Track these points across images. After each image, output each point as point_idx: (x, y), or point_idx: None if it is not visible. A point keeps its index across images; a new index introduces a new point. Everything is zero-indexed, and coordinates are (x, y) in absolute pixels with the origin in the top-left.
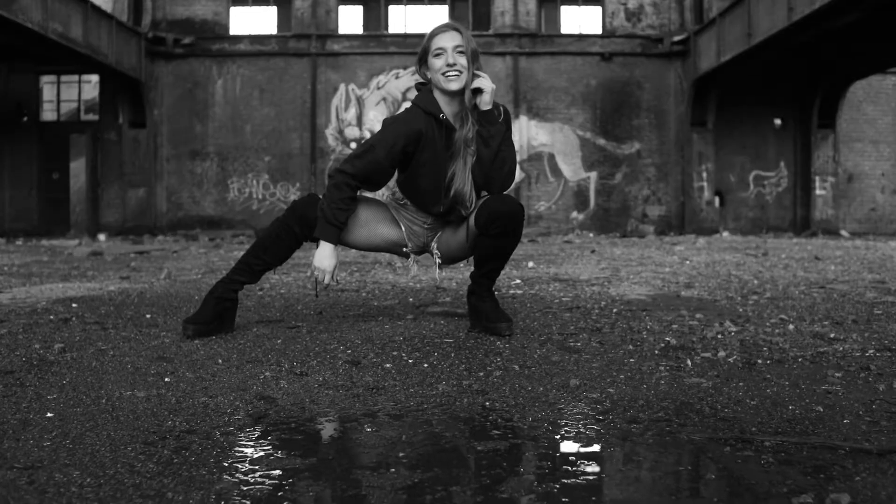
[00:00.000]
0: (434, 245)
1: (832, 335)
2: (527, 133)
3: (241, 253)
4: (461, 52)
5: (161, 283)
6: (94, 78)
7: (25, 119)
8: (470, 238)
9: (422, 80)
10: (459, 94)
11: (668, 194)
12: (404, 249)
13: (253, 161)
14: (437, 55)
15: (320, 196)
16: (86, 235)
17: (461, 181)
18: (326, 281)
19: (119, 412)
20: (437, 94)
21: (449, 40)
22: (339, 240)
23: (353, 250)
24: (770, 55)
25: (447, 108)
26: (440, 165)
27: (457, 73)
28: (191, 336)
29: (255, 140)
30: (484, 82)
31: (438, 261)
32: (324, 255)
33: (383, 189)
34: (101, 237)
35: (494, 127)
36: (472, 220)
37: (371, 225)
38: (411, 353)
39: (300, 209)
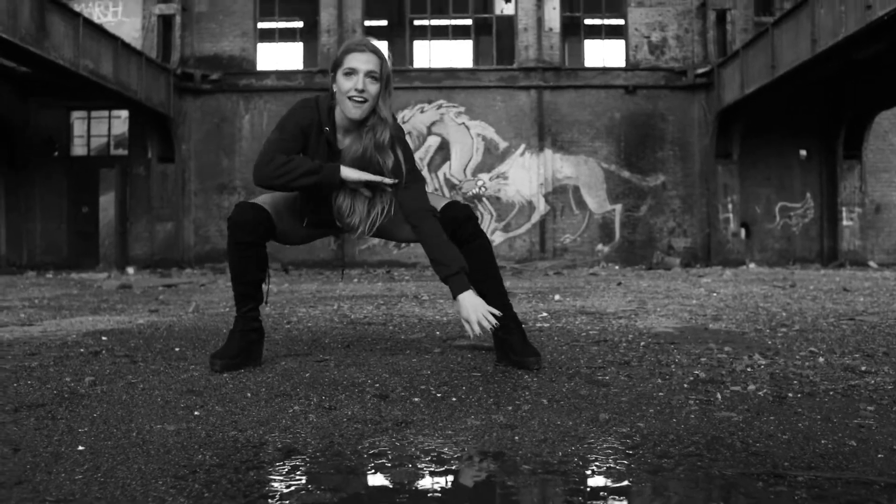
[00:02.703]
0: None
1: (863, 368)
2: (551, 166)
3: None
4: (374, 79)
5: (189, 316)
6: (124, 113)
7: (56, 154)
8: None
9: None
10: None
11: (693, 226)
12: (337, 235)
13: None
14: (348, 75)
15: (246, 201)
16: (114, 268)
17: (349, 211)
18: (387, 179)
19: (149, 446)
20: (338, 107)
21: (363, 62)
22: (342, 167)
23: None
24: (794, 87)
25: (343, 122)
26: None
27: (363, 99)
28: (218, 370)
29: None
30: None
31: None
32: (352, 171)
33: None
34: (130, 270)
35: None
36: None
37: (292, 208)
38: (439, 387)
39: (236, 218)
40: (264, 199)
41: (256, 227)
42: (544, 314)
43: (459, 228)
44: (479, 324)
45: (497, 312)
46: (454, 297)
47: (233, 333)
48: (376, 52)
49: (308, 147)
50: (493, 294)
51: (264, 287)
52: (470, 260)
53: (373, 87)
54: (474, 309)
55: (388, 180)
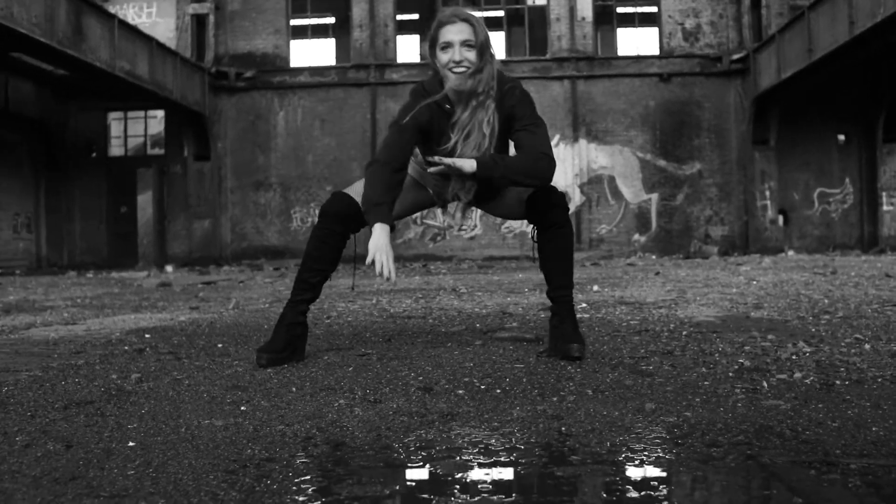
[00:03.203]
0: (464, 196)
1: None
2: (586, 156)
3: None
4: (470, 47)
5: (230, 312)
6: (160, 113)
7: (94, 155)
8: (515, 200)
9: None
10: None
11: (730, 214)
12: (439, 211)
13: (315, 190)
14: (444, 48)
15: (340, 191)
16: (153, 267)
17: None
18: (391, 273)
19: (199, 441)
20: (445, 83)
21: (457, 33)
22: (392, 221)
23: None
24: (832, 70)
25: (454, 95)
26: (448, 150)
27: (464, 69)
28: (265, 365)
29: (316, 170)
30: (451, 167)
31: (466, 203)
32: (379, 239)
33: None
34: (169, 268)
35: (492, 173)
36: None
37: (399, 195)
38: (483, 379)
39: (330, 207)
40: (359, 188)
41: (345, 219)
42: (584, 305)
43: (550, 212)
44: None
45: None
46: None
47: (279, 327)
48: (468, 19)
49: (432, 133)
50: (558, 280)
51: (347, 281)
52: (549, 244)
53: (470, 55)
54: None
55: (393, 276)
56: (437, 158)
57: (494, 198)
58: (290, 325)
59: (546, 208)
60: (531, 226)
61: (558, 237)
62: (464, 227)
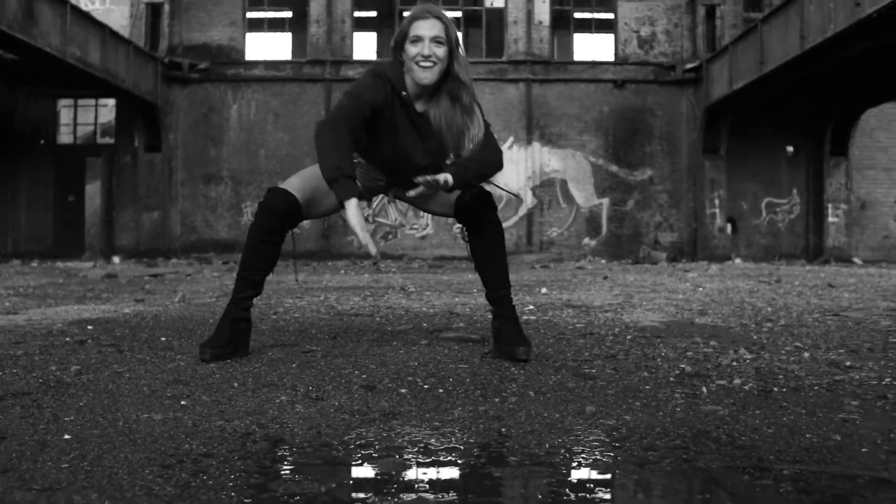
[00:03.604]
0: (391, 192)
1: (848, 363)
2: (539, 159)
3: None
4: (439, 44)
5: (175, 305)
6: (111, 102)
7: (42, 142)
8: (442, 202)
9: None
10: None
11: (680, 221)
12: (363, 202)
13: (267, 185)
14: (414, 42)
15: (279, 187)
16: (100, 258)
17: (412, 169)
18: (372, 249)
19: (136, 435)
20: (408, 75)
21: (428, 29)
22: (358, 190)
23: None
24: (783, 83)
25: (414, 89)
26: (397, 140)
27: (431, 64)
28: (208, 360)
29: (269, 164)
30: (439, 182)
31: (390, 199)
32: (354, 218)
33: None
34: (116, 259)
35: (467, 179)
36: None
37: (328, 193)
38: (426, 379)
39: (267, 204)
40: (298, 183)
41: (286, 216)
42: (531, 307)
43: (479, 212)
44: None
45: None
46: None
47: (222, 322)
48: (440, 17)
49: (382, 116)
50: (495, 282)
51: (290, 275)
52: (482, 246)
53: (440, 51)
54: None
55: (373, 250)
56: (420, 179)
57: (420, 198)
58: (234, 321)
59: (474, 209)
60: (460, 226)
61: (490, 237)
62: (415, 226)
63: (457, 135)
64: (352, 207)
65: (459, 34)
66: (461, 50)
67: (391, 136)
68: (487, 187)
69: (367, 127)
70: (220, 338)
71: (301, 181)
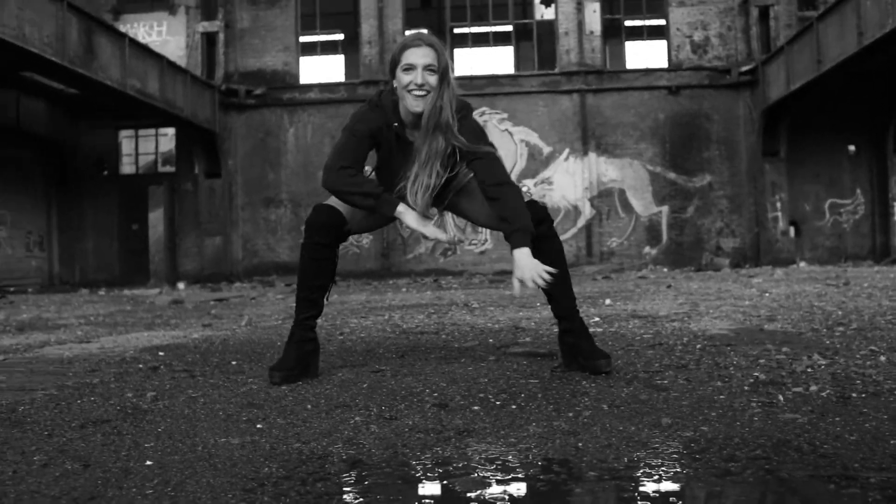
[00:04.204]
0: (441, 206)
1: None
2: (596, 169)
3: None
4: (431, 72)
5: (242, 329)
6: (171, 131)
7: (106, 172)
8: (489, 215)
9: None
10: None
11: (741, 226)
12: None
13: None
14: (407, 70)
15: (322, 203)
16: (165, 284)
17: (416, 190)
18: (443, 236)
19: (216, 459)
20: (401, 102)
21: (420, 57)
22: (398, 199)
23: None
24: (841, 81)
25: (408, 116)
26: (393, 168)
27: (424, 93)
28: (278, 383)
29: None
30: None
31: (438, 213)
32: (412, 219)
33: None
34: (180, 285)
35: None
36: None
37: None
38: (498, 395)
39: (313, 220)
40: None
41: (331, 230)
42: (596, 319)
43: (536, 227)
44: (533, 280)
45: (553, 270)
46: (511, 252)
47: (289, 345)
48: (433, 45)
49: (380, 145)
50: (561, 296)
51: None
52: (542, 260)
53: (432, 79)
54: (530, 267)
55: (445, 237)
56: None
57: (465, 206)
58: (300, 342)
59: (544, 223)
60: None
61: (549, 252)
62: (474, 242)
63: (413, 177)
64: (404, 214)
65: (510, 48)
66: (453, 78)
67: (387, 164)
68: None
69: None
70: (288, 360)
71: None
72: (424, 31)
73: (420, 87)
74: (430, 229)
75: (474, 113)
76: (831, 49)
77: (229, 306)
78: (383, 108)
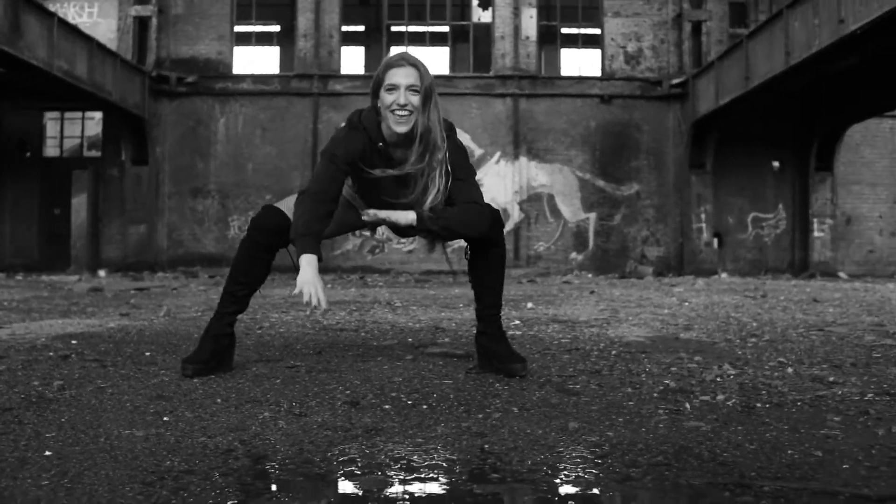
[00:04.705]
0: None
1: (831, 378)
2: (526, 174)
3: None
4: (415, 92)
5: (160, 320)
6: (98, 115)
7: (28, 155)
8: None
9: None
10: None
11: (666, 235)
12: (366, 231)
13: (254, 199)
14: (390, 90)
15: (273, 206)
16: (86, 271)
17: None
18: (321, 302)
19: (118, 451)
20: (384, 123)
21: (403, 77)
22: (320, 252)
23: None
24: (768, 98)
25: (392, 137)
26: (379, 189)
27: (407, 112)
28: (190, 375)
29: (256, 178)
30: (390, 217)
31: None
32: (307, 273)
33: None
34: (102, 273)
35: (435, 223)
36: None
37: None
38: (410, 395)
39: (260, 220)
40: (290, 203)
41: (277, 234)
42: (517, 322)
43: (487, 231)
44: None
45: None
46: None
47: (205, 338)
48: (416, 65)
49: (364, 164)
50: (488, 300)
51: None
52: (484, 263)
53: (415, 99)
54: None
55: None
56: (371, 213)
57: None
58: (217, 337)
59: (492, 228)
60: (465, 243)
61: (493, 256)
62: (402, 241)
63: (421, 190)
64: (304, 263)
65: (445, 49)
66: (435, 98)
67: (372, 185)
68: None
69: (353, 176)
70: (203, 353)
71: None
72: (406, 50)
73: (402, 107)
74: (311, 292)
75: None
76: (760, 66)
77: (150, 296)
78: (365, 129)
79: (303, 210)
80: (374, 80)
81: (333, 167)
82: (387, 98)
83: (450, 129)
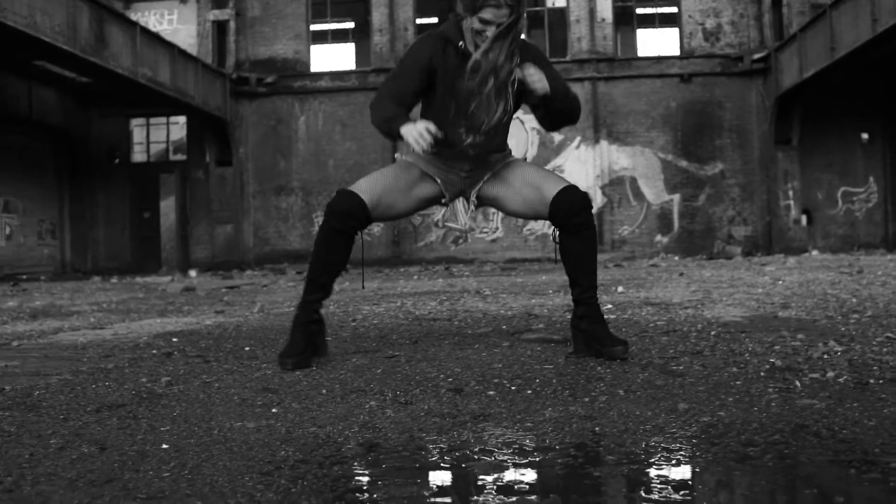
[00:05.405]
0: (473, 193)
1: None
2: (608, 157)
3: None
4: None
5: (255, 316)
6: (182, 119)
7: (117, 161)
8: (525, 205)
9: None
10: None
11: (753, 214)
12: (443, 201)
13: None
14: (483, 22)
15: (346, 189)
16: (177, 272)
17: (485, 110)
18: (430, 128)
19: (232, 443)
20: (466, 29)
21: (495, 17)
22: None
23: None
24: (855, 68)
25: (471, 41)
26: (457, 89)
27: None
28: (291, 369)
29: (338, 174)
30: (531, 78)
31: (474, 205)
32: (407, 126)
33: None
34: (192, 273)
35: (557, 95)
36: (530, 190)
37: (406, 192)
38: (513, 380)
39: (333, 205)
40: (366, 184)
41: (351, 218)
42: (609, 306)
43: (575, 215)
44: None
45: (434, 132)
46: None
47: (295, 328)
48: (512, 5)
49: (438, 70)
50: (585, 282)
51: (343, 278)
52: (576, 246)
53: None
54: (410, 128)
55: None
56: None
57: (499, 193)
58: (305, 325)
59: (572, 210)
60: (552, 227)
61: (584, 239)
62: (485, 230)
63: (504, 78)
64: (406, 127)
65: (522, 35)
66: (523, 23)
67: (451, 87)
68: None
69: (429, 87)
70: (297, 345)
71: (369, 182)
72: None
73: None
74: (419, 130)
75: None
76: (845, 36)
77: (241, 293)
78: (444, 35)
79: (377, 113)
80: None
81: (402, 68)
82: (477, 25)
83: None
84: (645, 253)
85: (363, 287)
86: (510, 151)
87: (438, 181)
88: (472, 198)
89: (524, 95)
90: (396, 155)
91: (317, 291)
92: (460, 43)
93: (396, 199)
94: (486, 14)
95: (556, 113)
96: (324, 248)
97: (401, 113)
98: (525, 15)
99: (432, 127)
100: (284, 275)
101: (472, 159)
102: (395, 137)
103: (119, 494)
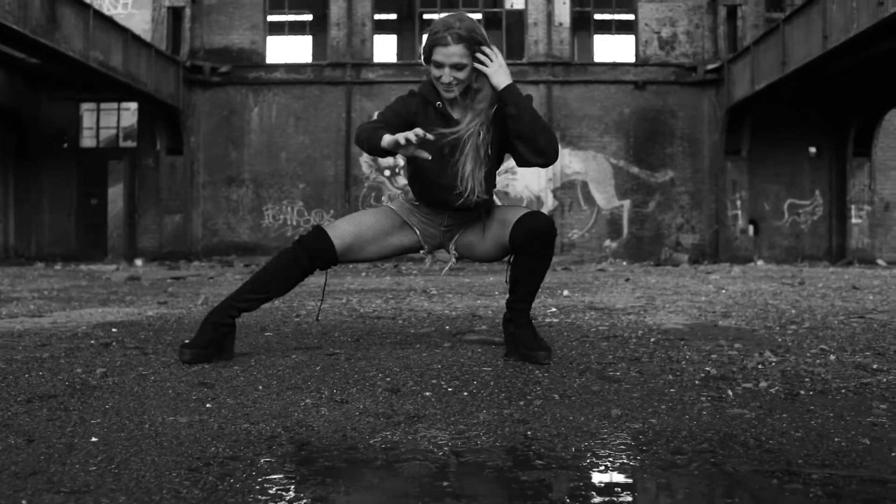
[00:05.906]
0: (452, 245)
1: (875, 366)
2: (560, 161)
3: None
4: (460, 68)
5: (199, 308)
6: (133, 105)
7: (65, 145)
8: (494, 244)
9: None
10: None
11: (701, 222)
12: (421, 252)
13: (288, 188)
14: (436, 66)
15: (322, 228)
16: (123, 260)
17: (469, 167)
18: (417, 131)
19: (162, 437)
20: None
21: (446, 57)
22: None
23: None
24: (805, 83)
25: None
26: (443, 153)
27: (454, 90)
28: (188, 360)
29: (290, 167)
30: (488, 69)
31: (454, 258)
32: (388, 137)
33: (398, 194)
34: (138, 262)
35: (518, 102)
36: (498, 226)
37: (381, 239)
38: (450, 382)
39: (309, 243)
40: (342, 229)
41: (317, 259)
42: (553, 309)
43: (534, 241)
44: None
45: (421, 134)
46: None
47: (205, 324)
48: (459, 40)
49: (418, 125)
50: (523, 294)
51: (316, 304)
52: (529, 264)
53: (460, 74)
54: (389, 140)
55: (416, 136)
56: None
57: (471, 240)
58: (217, 325)
59: (532, 239)
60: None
61: (539, 262)
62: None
63: (484, 139)
64: (389, 135)
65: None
66: (491, 49)
67: (432, 145)
68: None
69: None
70: (202, 339)
71: (347, 226)
72: (454, 16)
73: (447, 84)
74: (404, 135)
75: None
76: (796, 51)
77: (186, 285)
78: (421, 93)
79: (364, 131)
80: (423, 49)
81: (385, 113)
82: (434, 71)
83: None
84: (594, 257)
85: (317, 320)
86: (494, 202)
87: (417, 232)
88: (452, 250)
89: (505, 145)
90: (383, 199)
91: (246, 303)
92: (437, 103)
93: (370, 244)
94: (437, 56)
95: (528, 140)
96: (277, 269)
97: (382, 127)
98: (483, 41)
99: (420, 131)
100: (232, 267)
101: (453, 213)
102: (380, 150)
103: (43, 488)
